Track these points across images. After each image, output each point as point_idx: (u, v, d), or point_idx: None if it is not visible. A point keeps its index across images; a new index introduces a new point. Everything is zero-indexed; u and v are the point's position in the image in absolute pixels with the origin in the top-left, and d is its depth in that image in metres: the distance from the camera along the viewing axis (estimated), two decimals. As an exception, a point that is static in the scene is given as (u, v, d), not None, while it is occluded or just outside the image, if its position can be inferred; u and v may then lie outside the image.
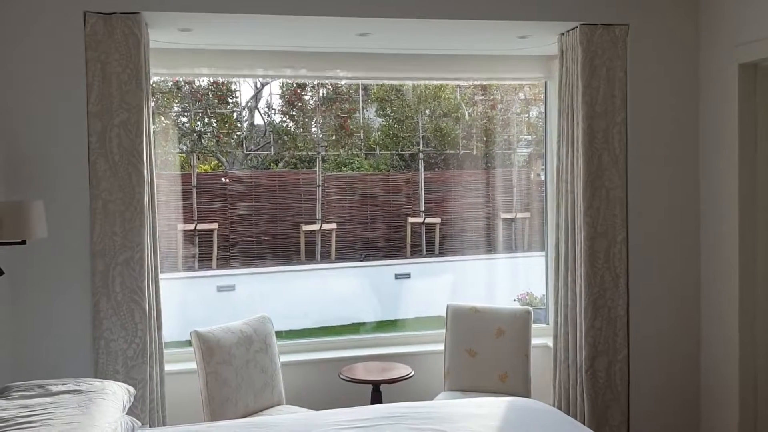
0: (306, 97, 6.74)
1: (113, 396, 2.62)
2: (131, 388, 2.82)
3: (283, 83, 6.64)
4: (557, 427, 2.73)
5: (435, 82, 5.87)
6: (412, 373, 3.80)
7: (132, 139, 3.26)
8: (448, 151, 6.64)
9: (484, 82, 5.22)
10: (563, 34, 3.81)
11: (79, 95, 3.23)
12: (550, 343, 4.07)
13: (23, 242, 2.87)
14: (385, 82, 5.94)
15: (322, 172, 6.45)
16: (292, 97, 6.96)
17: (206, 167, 6.77)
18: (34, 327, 3.23)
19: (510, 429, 2.67)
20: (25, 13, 3.18)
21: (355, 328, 5.96)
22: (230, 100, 6.72)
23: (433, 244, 6.57)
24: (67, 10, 3.21)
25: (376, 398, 3.71)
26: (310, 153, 6.76)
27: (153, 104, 3.44)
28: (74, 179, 3.24)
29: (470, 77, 4.30)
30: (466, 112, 6.51)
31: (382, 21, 3.48)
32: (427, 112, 6.62)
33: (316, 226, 6.39)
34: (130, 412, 2.89)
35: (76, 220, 3.25)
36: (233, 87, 6.54)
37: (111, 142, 3.24)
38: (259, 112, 7.11)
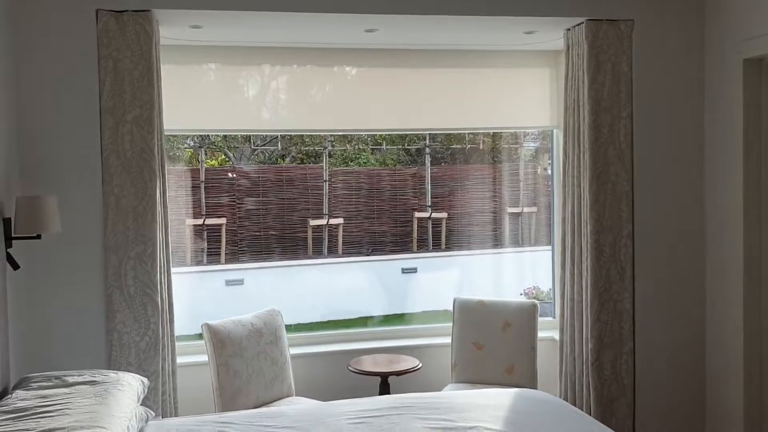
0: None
1: (128, 387, 2.67)
2: (145, 380, 2.88)
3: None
4: (563, 417, 2.77)
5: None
6: (420, 365, 3.84)
7: (144, 135, 3.30)
8: (454, 146, 6.65)
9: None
10: (569, 29, 3.84)
11: (92, 92, 3.28)
12: (557, 336, 4.11)
13: (38, 237, 2.94)
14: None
15: (328, 168, 6.47)
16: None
17: (213, 162, 6.80)
18: (49, 320, 3.29)
19: (516, 418, 2.70)
20: (38, 12, 3.22)
21: (362, 321, 5.98)
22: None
23: (440, 238, 6.58)
24: (80, 8, 3.25)
25: (385, 390, 3.75)
26: (316, 148, 6.77)
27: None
28: (87, 175, 3.29)
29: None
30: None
31: (391, 17, 3.52)
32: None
33: (323, 221, 6.42)
34: (143, 402, 2.94)
35: (90, 215, 3.30)
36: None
37: (123, 138, 3.29)
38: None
